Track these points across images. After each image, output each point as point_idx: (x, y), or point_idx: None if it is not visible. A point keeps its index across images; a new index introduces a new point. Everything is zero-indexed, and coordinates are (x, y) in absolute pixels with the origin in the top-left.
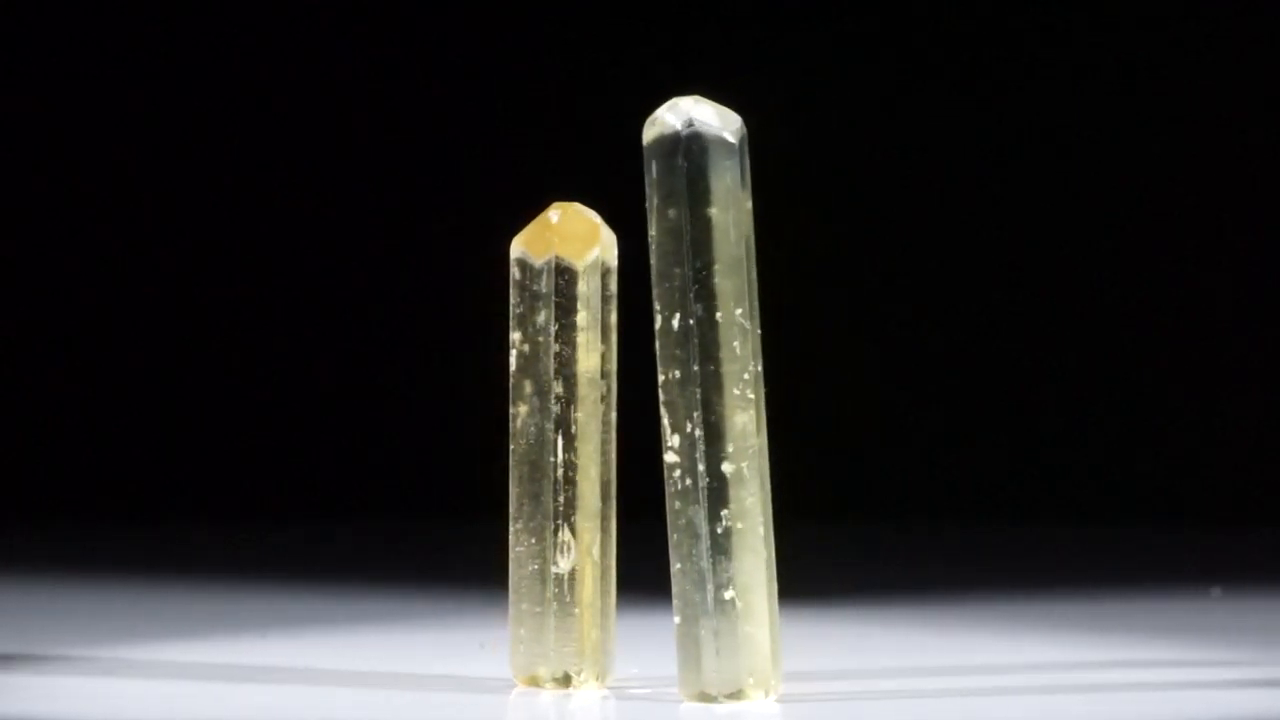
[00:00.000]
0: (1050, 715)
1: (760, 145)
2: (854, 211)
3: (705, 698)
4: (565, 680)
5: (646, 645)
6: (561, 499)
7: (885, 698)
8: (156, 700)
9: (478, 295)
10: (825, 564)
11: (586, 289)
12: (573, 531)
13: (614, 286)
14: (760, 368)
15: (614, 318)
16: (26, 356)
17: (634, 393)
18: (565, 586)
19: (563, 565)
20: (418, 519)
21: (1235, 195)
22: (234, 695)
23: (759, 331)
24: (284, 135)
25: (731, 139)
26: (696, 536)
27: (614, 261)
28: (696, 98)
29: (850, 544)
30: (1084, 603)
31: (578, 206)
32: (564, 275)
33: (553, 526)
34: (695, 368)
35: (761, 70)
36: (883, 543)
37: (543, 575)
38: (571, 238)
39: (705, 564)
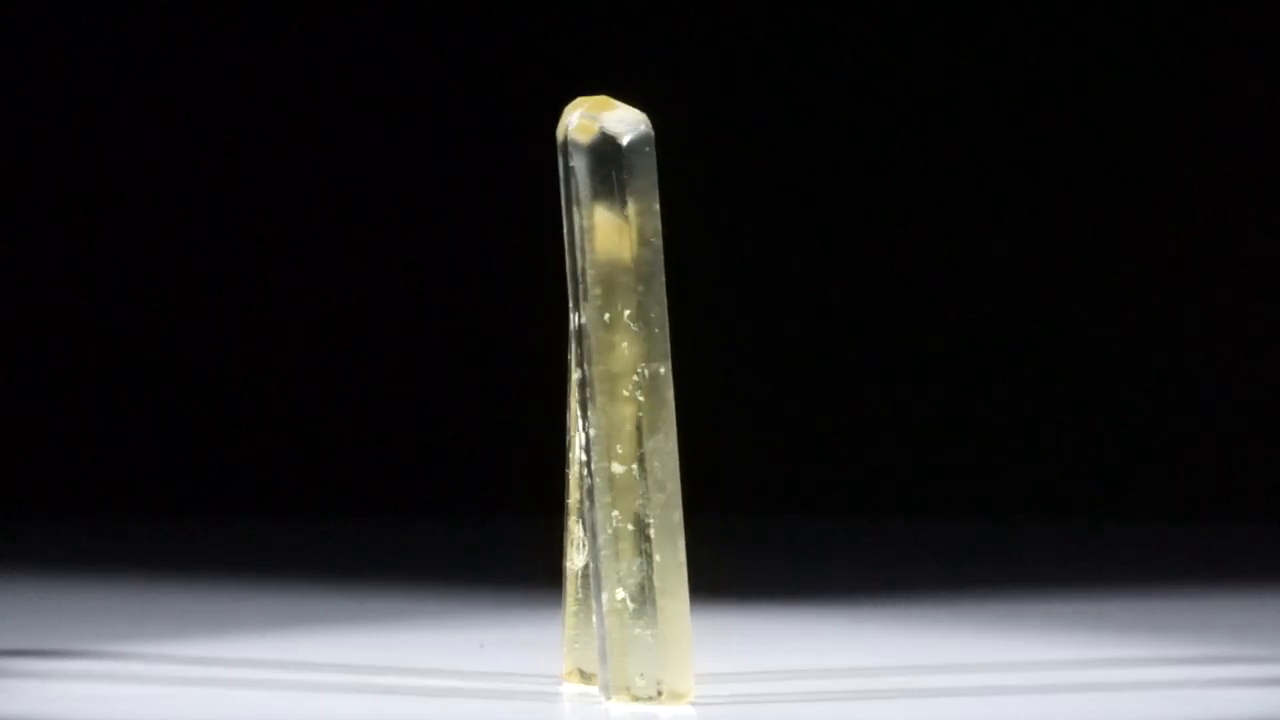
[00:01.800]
0: (1035, 716)
1: (752, 142)
2: (850, 209)
3: (606, 698)
4: (583, 676)
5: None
6: (578, 495)
7: (804, 700)
8: (157, 700)
9: (485, 294)
10: (811, 562)
11: None
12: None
13: None
14: (664, 370)
15: None
16: (30, 354)
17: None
18: (578, 583)
19: (577, 562)
20: (427, 517)
21: (1230, 192)
22: (248, 697)
23: (660, 332)
24: (298, 134)
25: (623, 141)
26: (594, 536)
27: None
28: (603, 98)
29: (839, 542)
30: (1078, 601)
31: None
32: None
33: (568, 523)
34: (587, 367)
35: (770, 66)
36: (871, 541)
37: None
38: None
39: (600, 564)
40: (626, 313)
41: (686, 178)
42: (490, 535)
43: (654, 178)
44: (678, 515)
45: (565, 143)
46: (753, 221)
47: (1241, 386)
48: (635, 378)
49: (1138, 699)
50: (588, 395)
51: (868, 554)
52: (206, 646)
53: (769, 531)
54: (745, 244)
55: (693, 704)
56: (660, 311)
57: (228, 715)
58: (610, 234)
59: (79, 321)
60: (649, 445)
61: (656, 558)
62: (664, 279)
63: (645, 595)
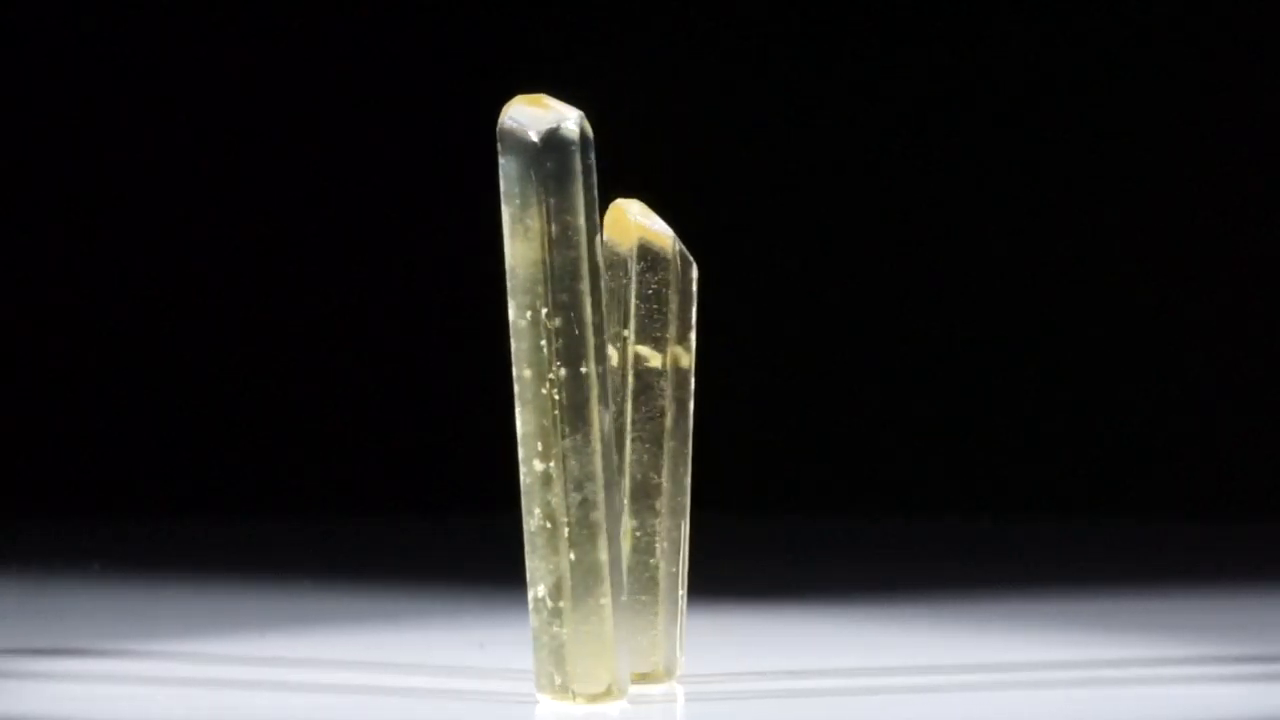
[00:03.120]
0: (1034, 715)
1: (752, 142)
2: (850, 209)
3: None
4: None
5: (708, 641)
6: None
7: (757, 698)
8: (157, 700)
9: (485, 293)
10: (811, 562)
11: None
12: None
13: (667, 277)
14: (586, 369)
15: (685, 313)
16: (30, 354)
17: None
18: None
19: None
20: (427, 517)
21: (1230, 192)
22: (249, 697)
23: (581, 333)
24: (298, 134)
25: (539, 140)
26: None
27: (662, 250)
28: (539, 96)
29: (839, 542)
30: (1078, 601)
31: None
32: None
33: None
34: (515, 365)
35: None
36: (871, 541)
37: None
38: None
39: (527, 560)
40: (544, 312)
41: (686, 177)
42: (490, 535)
43: (576, 177)
44: (596, 515)
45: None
46: (753, 221)
47: (1241, 386)
48: (551, 377)
49: (1137, 699)
50: (516, 392)
51: (868, 554)
52: (207, 646)
53: (769, 531)
54: (745, 244)
55: (631, 702)
56: (583, 313)
57: (228, 715)
58: (532, 233)
59: (79, 321)
60: (565, 445)
61: (571, 557)
62: (588, 280)
63: (562, 594)
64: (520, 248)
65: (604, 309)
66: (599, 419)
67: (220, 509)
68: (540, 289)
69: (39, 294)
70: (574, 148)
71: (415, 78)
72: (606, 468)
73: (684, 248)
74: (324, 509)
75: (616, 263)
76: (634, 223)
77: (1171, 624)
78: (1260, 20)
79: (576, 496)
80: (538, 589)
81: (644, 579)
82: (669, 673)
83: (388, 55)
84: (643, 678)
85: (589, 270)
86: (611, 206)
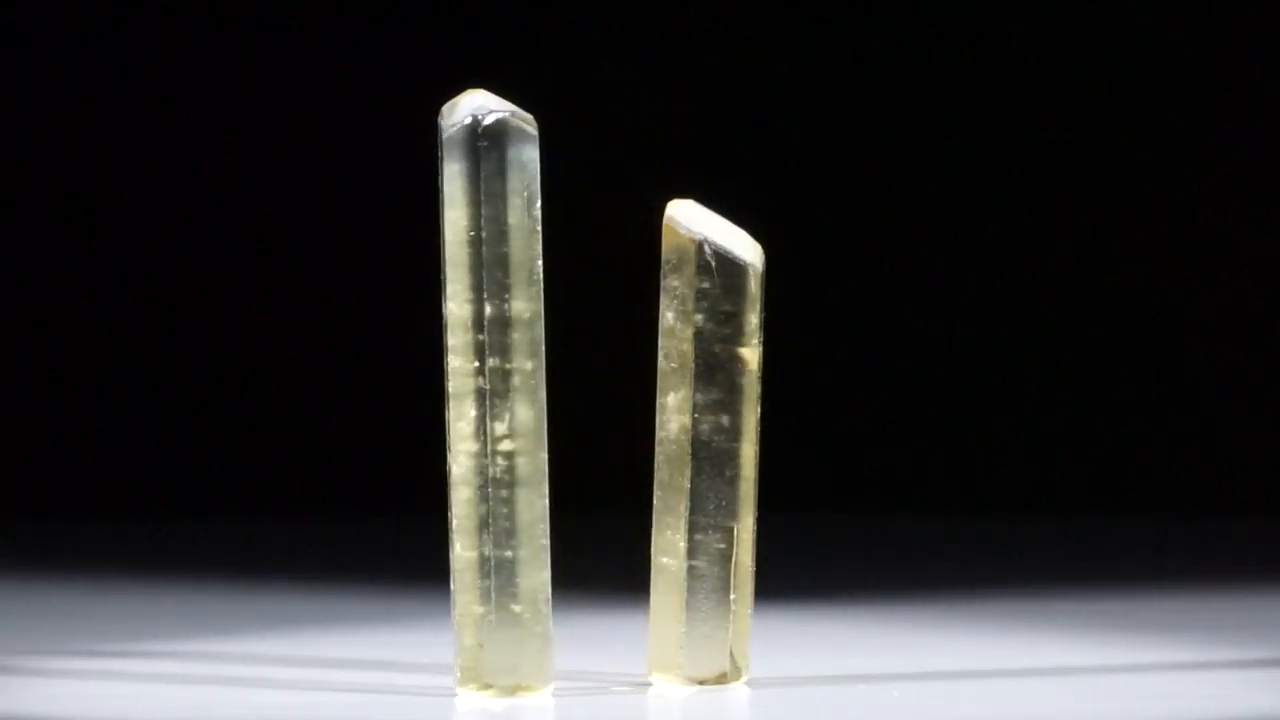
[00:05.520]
0: (1033, 715)
1: (752, 142)
2: (851, 210)
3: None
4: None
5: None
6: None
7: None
8: (157, 700)
9: None
10: (811, 562)
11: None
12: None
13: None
14: (479, 363)
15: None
16: (30, 354)
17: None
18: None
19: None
20: (428, 516)
21: (1230, 192)
22: (248, 697)
23: (470, 334)
24: (298, 134)
25: (449, 134)
26: None
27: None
28: (475, 90)
29: (839, 542)
30: (1078, 601)
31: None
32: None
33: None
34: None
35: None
36: (871, 541)
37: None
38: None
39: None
40: (448, 306)
41: (686, 177)
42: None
43: (474, 171)
44: (483, 510)
45: None
46: (753, 221)
47: (1241, 386)
48: (450, 369)
49: (1137, 698)
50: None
51: (868, 554)
52: (206, 646)
53: (769, 531)
54: None
55: (556, 695)
56: (480, 308)
57: (228, 715)
58: (450, 227)
59: (79, 321)
60: (458, 439)
61: (456, 549)
62: (500, 276)
63: (457, 588)
64: (444, 241)
65: (536, 304)
66: (511, 413)
67: (220, 509)
68: (451, 283)
69: (39, 294)
70: (483, 143)
71: (414, 78)
72: (515, 465)
73: (740, 252)
74: (324, 509)
75: (666, 262)
76: (668, 222)
77: (1172, 624)
78: (1260, 20)
79: (466, 491)
80: (452, 580)
81: (665, 581)
82: (704, 677)
83: (387, 55)
84: (669, 680)
85: (505, 266)
86: (668, 206)
